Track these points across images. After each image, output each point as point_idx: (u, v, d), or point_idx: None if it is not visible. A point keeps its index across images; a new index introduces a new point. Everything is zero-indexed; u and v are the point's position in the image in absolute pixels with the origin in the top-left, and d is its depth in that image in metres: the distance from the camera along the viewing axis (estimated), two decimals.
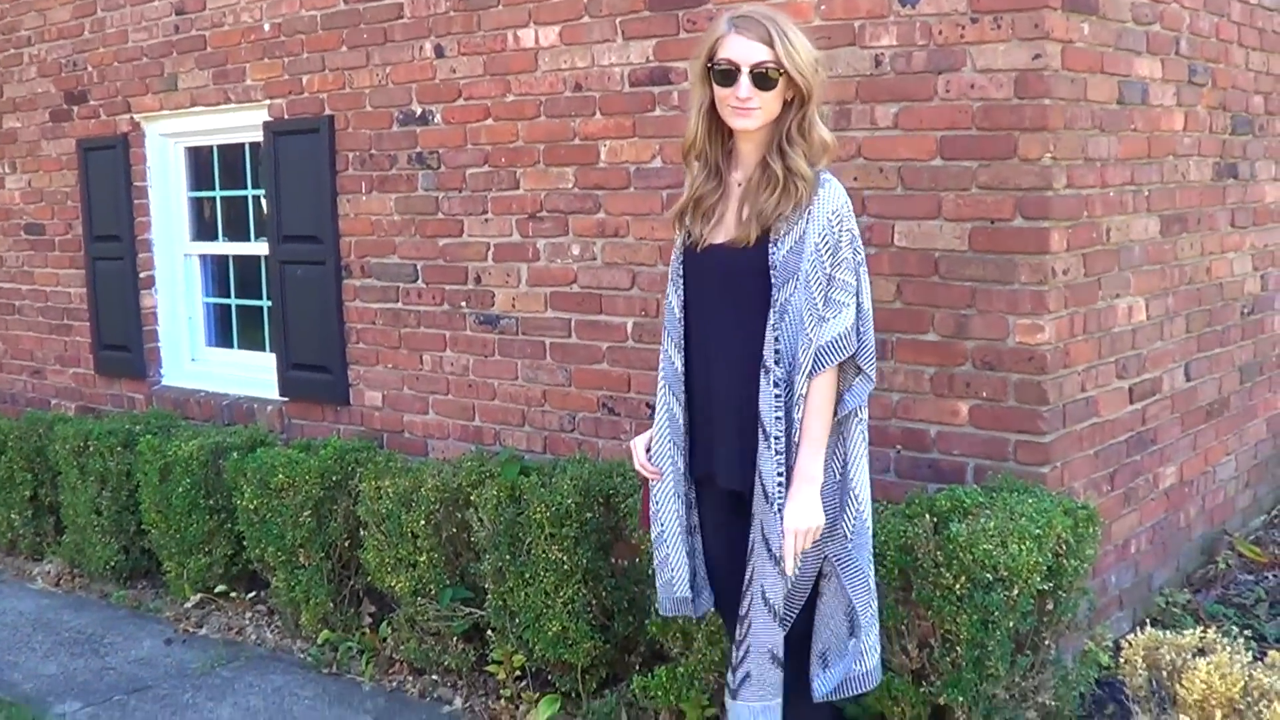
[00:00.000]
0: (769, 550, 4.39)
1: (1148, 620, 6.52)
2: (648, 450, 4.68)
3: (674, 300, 4.60)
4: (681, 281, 4.59)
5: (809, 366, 4.33)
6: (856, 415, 4.50)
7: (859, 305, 4.41)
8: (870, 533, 4.60)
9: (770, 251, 4.36)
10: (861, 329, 4.42)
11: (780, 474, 4.37)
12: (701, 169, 4.55)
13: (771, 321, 4.36)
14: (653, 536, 4.71)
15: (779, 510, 4.36)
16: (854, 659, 4.54)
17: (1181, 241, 6.76)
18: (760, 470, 4.40)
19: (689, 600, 4.69)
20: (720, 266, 4.49)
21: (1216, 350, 7.25)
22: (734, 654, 4.50)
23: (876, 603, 4.59)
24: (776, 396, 4.37)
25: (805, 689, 4.55)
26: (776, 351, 4.36)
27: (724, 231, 4.49)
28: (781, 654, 4.44)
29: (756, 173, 4.43)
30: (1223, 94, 7.09)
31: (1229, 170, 7.23)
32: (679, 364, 4.59)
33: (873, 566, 4.61)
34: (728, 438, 4.50)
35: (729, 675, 4.54)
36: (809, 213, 4.33)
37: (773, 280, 4.37)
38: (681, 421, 4.60)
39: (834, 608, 4.54)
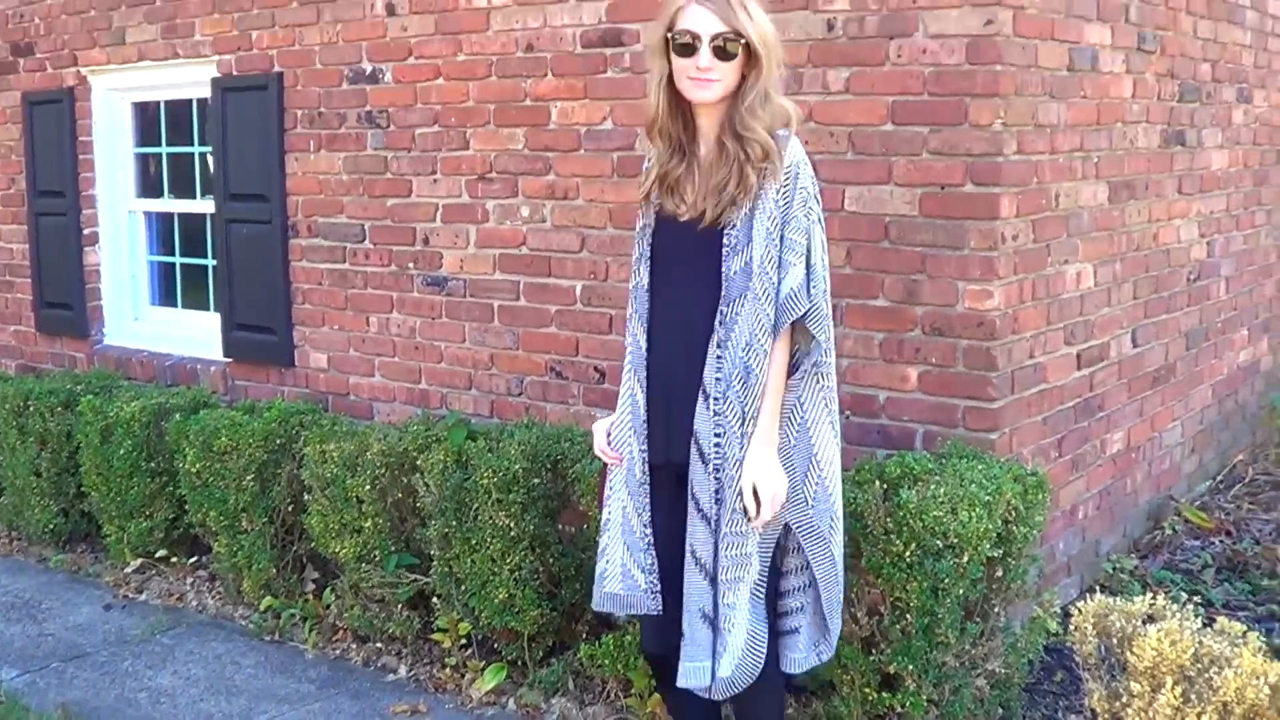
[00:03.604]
0: (699, 509, 4.39)
1: (1096, 586, 6.56)
2: (608, 435, 4.64)
3: (642, 278, 4.56)
4: (648, 259, 4.54)
5: (770, 326, 4.31)
6: (817, 380, 4.48)
7: (809, 264, 4.36)
8: (837, 500, 4.57)
9: (726, 226, 4.33)
10: (812, 289, 4.36)
11: (718, 434, 4.35)
12: (666, 146, 4.48)
13: (724, 293, 4.34)
14: (601, 520, 4.67)
15: (715, 470, 4.35)
16: (822, 636, 4.57)
17: (1129, 208, 6.77)
18: (697, 431, 4.39)
19: (618, 597, 4.60)
20: (681, 243, 4.45)
21: (1163, 316, 7.28)
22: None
23: (841, 573, 4.59)
24: (718, 359, 4.35)
25: (772, 659, 4.53)
26: (722, 313, 4.34)
27: (685, 209, 4.44)
28: (712, 613, 4.41)
29: (714, 149, 4.39)
30: (1171, 61, 7.09)
31: (1176, 137, 7.24)
32: (643, 344, 4.55)
33: (839, 534, 4.59)
34: (685, 416, 4.46)
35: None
36: (767, 175, 4.29)
37: (724, 251, 4.34)
38: (642, 407, 4.55)
39: (803, 581, 4.54)
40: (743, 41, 4.26)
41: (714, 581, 4.40)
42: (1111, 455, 6.85)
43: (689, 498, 4.44)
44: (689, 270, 4.43)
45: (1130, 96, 6.69)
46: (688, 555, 4.43)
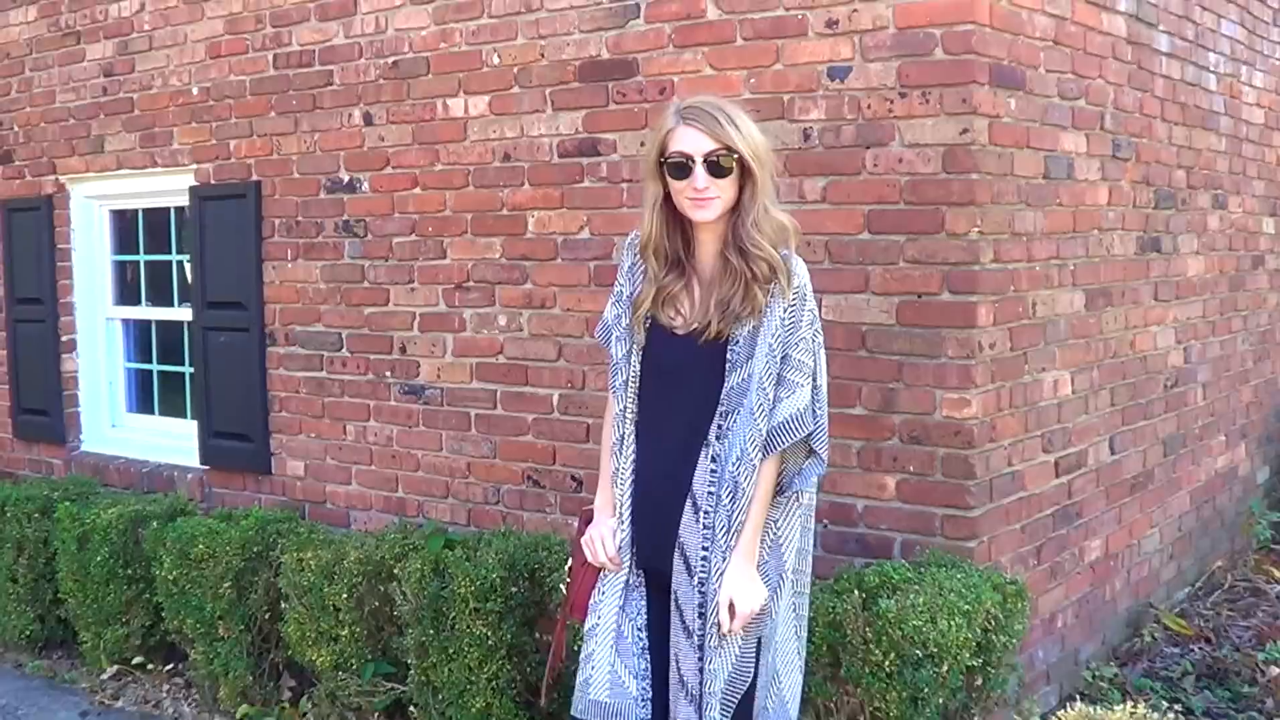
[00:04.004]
0: (683, 623, 4.37)
1: (1075, 695, 6.52)
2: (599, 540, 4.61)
3: (628, 388, 4.55)
4: (638, 371, 4.54)
5: (762, 447, 4.30)
6: (797, 499, 4.48)
7: (815, 385, 4.38)
8: (804, 618, 4.59)
9: (730, 342, 4.35)
10: (818, 410, 4.39)
11: (705, 547, 4.33)
12: (661, 264, 4.48)
13: (722, 406, 4.34)
14: (586, 628, 4.61)
15: (699, 584, 4.33)
16: None
17: (1106, 315, 6.80)
18: (683, 541, 4.37)
19: (605, 705, 4.52)
20: (678, 356, 4.45)
21: (1140, 423, 7.29)
22: None
23: (798, 685, 4.58)
24: (712, 472, 4.34)
25: None
26: (719, 427, 4.35)
27: (683, 322, 4.46)
28: None
29: (717, 265, 4.40)
30: (1146, 168, 7.16)
31: (1152, 244, 7.28)
32: (632, 453, 4.55)
33: (802, 653, 4.60)
34: (671, 526, 4.44)
35: None
36: (775, 289, 4.31)
37: (727, 366, 4.35)
38: (629, 515, 4.54)
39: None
40: (736, 156, 4.27)
41: (698, 702, 4.38)
42: (1090, 563, 6.84)
43: (673, 609, 4.42)
44: (685, 383, 4.43)
45: (1106, 203, 6.74)
46: (673, 676, 4.42)
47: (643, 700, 4.51)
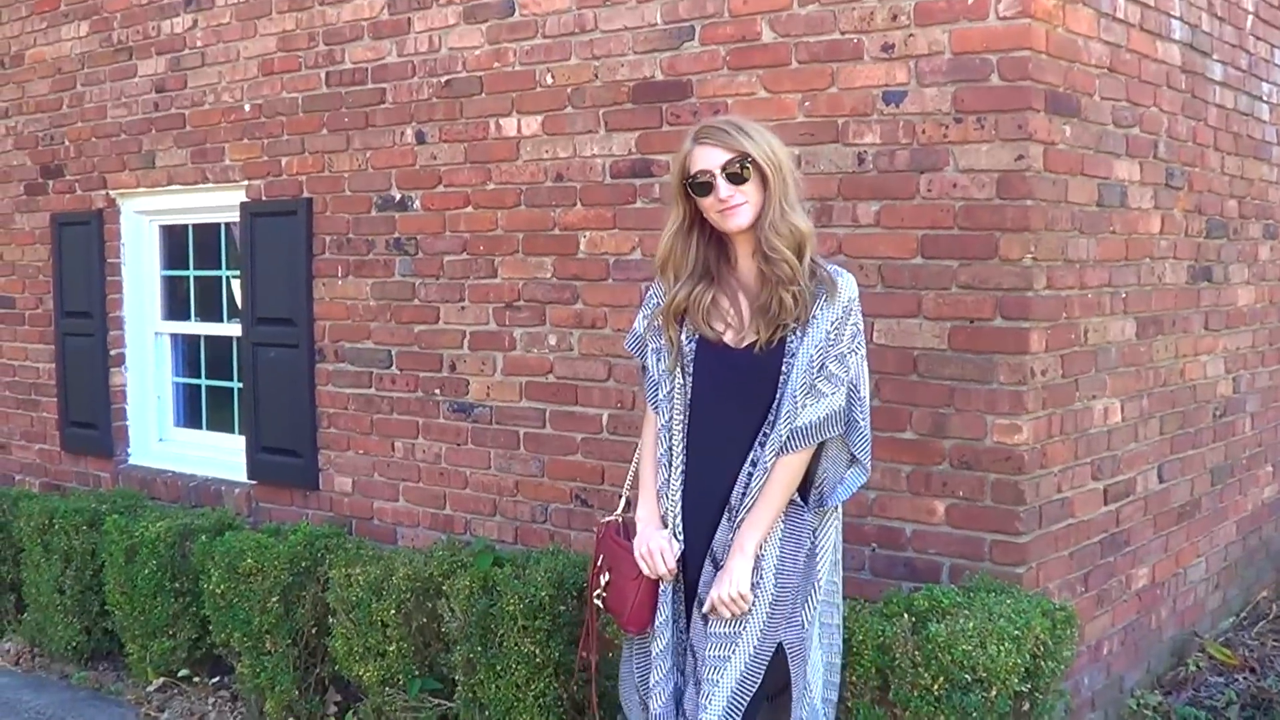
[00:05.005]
0: (700, 610, 4.52)
1: None
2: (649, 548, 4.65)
3: (673, 401, 4.59)
4: (685, 384, 4.59)
5: (779, 446, 4.39)
6: (837, 509, 4.54)
7: (858, 395, 4.46)
8: (838, 630, 4.69)
9: (785, 354, 4.42)
10: (859, 418, 4.46)
11: (730, 543, 4.47)
12: (687, 280, 4.56)
13: (771, 416, 4.43)
14: (654, 653, 4.66)
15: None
16: None
17: (1157, 344, 6.79)
18: (714, 547, 4.49)
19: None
20: (731, 369, 4.53)
21: (1189, 452, 7.27)
22: None
23: (827, 697, 4.68)
24: (749, 475, 4.44)
25: None
26: (764, 435, 4.43)
27: (734, 335, 4.52)
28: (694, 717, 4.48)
29: (756, 274, 4.48)
30: (1198, 197, 7.14)
31: (1203, 273, 7.27)
32: (682, 465, 4.59)
33: (837, 661, 4.71)
34: (704, 535, 4.52)
35: None
36: (822, 304, 4.38)
37: (780, 377, 4.43)
38: (680, 528, 4.62)
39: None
40: (751, 161, 4.38)
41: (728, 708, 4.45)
42: (1136, 591, 6.82)
43: (695, 609, 4.57)
44: (735, 395, 4.51)
45: (1159, 232, 6.73)
46: (688, 668, 4.58)
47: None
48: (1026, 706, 5.19)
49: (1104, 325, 6.27)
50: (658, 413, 4.68)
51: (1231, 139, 7.52)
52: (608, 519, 4.95)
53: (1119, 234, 6.36)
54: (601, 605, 4.83)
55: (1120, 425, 6.49)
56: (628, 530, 4.78)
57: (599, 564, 4.82)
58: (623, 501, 4.86)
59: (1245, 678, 7.20)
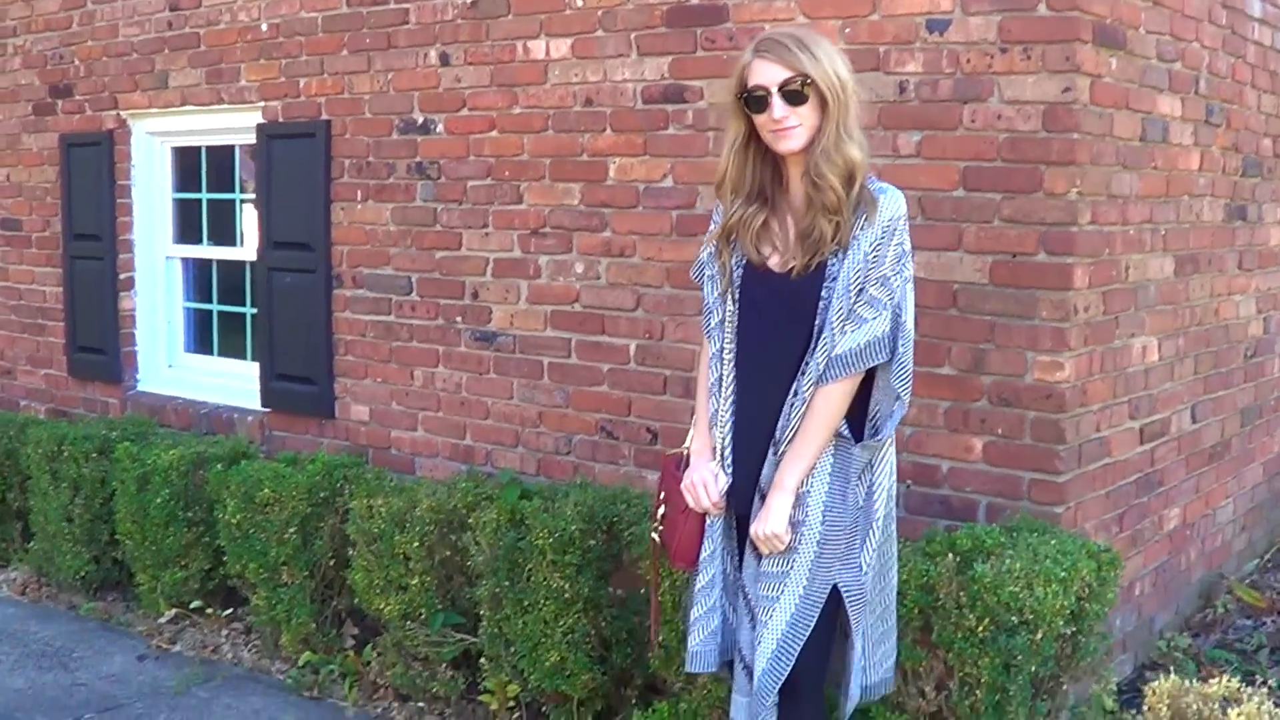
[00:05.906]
0: (755, 551, 4.39)
1: (1148, 664, 6.45)
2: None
3: (724, 329, 4.49)
4: (734, 311, 4.46)
5: (816, 375, 4.26)
6: (891, 443, 4.44)
7: (900, 324, 4.28)
8: (894, 570, 4.56)
9: (825, 278, 4.27)
10: (900, 350, 4.29)
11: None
12: (743, 201, 4.41)
13: (813, 344, 4.28)
14: (696, 587, 4.58)
15: None
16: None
17: (1193, 282, 6.70)
18: (762, 475, 4.36)
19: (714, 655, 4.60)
20: (772, 293, 4.38)
21: (1221, 393, 7.19)
22: None
23: (884, 642, 4.61)
24: (791, 406, 4.31)
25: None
26: (806, 363, 4.29)
27: (779, 260, 4.37)
28: (750, 660, 4.37)
29: (804, 198, 4.31)
30: (1236, 135, 7.05)
31: (1239, 212, 7.17)
32: (732, 394, 4.48)
33: (893, 603, 4.60)
34: (753, 470, 4.40)
35: None
36: (862, 225, 4.23)
37: (819, 305, 4.27)
38: (730, 457, 4.50)
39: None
40: (811, 82, 4.20)
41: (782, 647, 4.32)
42: (1168, 531, 6.75)
43: (748, 547, 4.43)
44: (780, 321, 4.37)
45: (1198, 169, 6.63)
46: (741, 605, 4.48)
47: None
48: (1070, 649, 5.12)
49: (1144, 263, 6.17)
50: (710, 341, 4.55)
51: (1269, 77, 7.41)
52: (670, 451, 4.82)
53: (1160, 170, 6.26)
54: (658, 539, 4.72)
55: (1157, 364, 6.40)
56: (688, 463, 4.65)
57: (660, 498, 4.70)
58: (689, 435, 4.72)
59: (1274, 621, 7.13)
